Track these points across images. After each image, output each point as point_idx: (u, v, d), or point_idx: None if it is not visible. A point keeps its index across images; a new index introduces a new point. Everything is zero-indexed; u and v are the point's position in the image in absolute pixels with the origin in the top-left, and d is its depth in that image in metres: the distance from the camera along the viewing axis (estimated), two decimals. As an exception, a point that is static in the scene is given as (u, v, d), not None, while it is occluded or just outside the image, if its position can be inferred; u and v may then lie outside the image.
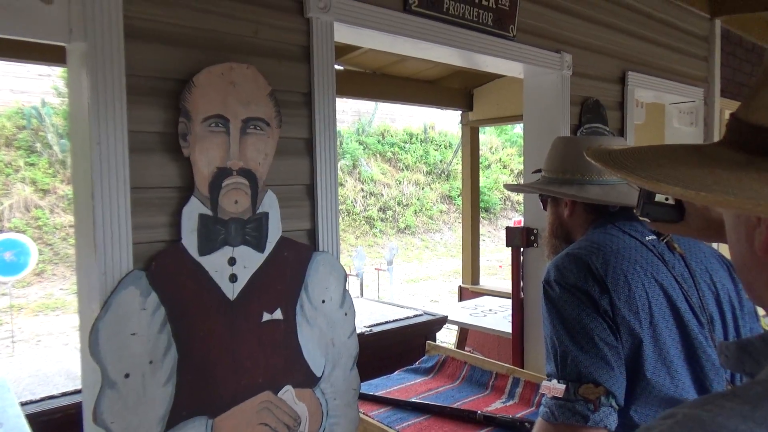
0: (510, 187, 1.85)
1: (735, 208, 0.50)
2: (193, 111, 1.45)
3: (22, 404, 2.22)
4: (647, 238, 1.37)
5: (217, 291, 1.50)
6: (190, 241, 1.46)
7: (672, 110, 3.77)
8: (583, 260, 1.27)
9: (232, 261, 1.53)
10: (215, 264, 1.50)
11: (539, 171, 1.62)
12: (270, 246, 1.60)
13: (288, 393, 1.63)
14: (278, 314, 1.61)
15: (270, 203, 1.60)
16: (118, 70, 1.36)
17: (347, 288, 1.79)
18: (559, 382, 1.18)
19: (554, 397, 1.16)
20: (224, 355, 1.51)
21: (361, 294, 7.86)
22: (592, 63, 2.89)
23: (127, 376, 1.35)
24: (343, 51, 3.61)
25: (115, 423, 1.33)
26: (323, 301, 1.71)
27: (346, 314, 1.77)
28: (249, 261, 1.56)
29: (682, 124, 3.70)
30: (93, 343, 1.31)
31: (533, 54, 2.51)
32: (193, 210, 1.46)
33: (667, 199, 1.15)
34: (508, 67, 2.62)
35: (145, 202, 1.42)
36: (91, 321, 1.32)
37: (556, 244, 1.54)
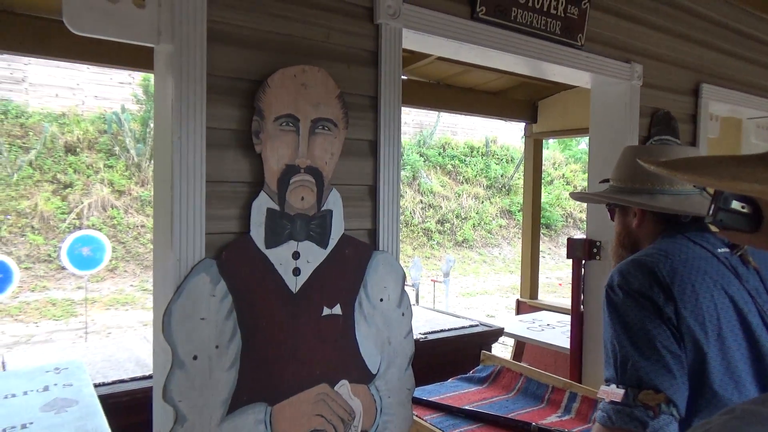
0: (576, 196, 1.82)
1: None
2: (266, 110, 1.53)
3: (95, 386, 2.37)
4: (719, 250, 1.32)
5: (280, 283, 1.56)
6: (257, 233, 1.53)
7: (750, 125, 3.60)
8: (648, 267, 1.24)
9: (296, 255, 1.58)
10: (280, 257, 1.56)
11: (607, 180, 1.59)
12: (332, 243, 1.65)
13: (344, 387, 1.67)
14: (337, 309, 1.66)
15: (334, 201, 1.66)
16: (201, 70, 1.45)
17: (405, 289, 1.81)
18: (618, 387, 1.17)
19: (612, 402, 1.15)
20: (285, 345, 1.57)
21: (417, 304, 7.85)
22: (664, 74, 2.81)
23: (195, 358, 1.43)
24: (408, 61, 3.67)
25: (182, 402, 1.40)
26: (381, 300, 1.75)
27: (403, 314, 1.80)
28: (312, 256, 1.61)
29: (761, 139, 3.52)
30: (166, 324, 1.39)
31: (602, 63, 2.47)
32: (262, 204, 1.54)
33: (743, 207, 1.11)
34: (576, 77, 2.59)
35: (219, 195, 1.50)
36: (165, 304, 1.41)
37: (623, 254, 1.50)
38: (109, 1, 1.39)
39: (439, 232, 13.79)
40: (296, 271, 1.59)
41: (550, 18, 2.23)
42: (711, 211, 1.13)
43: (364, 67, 1.77)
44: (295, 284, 1.59)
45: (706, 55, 3.06)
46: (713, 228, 1.26)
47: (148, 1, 1.43)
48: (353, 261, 1.70)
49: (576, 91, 4.22)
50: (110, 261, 9.67)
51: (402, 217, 13.26)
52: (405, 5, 1.82)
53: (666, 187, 1.42)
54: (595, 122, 2.72)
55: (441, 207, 14.23)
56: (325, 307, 1.64)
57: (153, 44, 1.45)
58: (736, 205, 1.11)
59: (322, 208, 1.63)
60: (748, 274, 1.31)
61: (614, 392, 1.18)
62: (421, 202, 14.03)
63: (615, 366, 1.21)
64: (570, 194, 1.85)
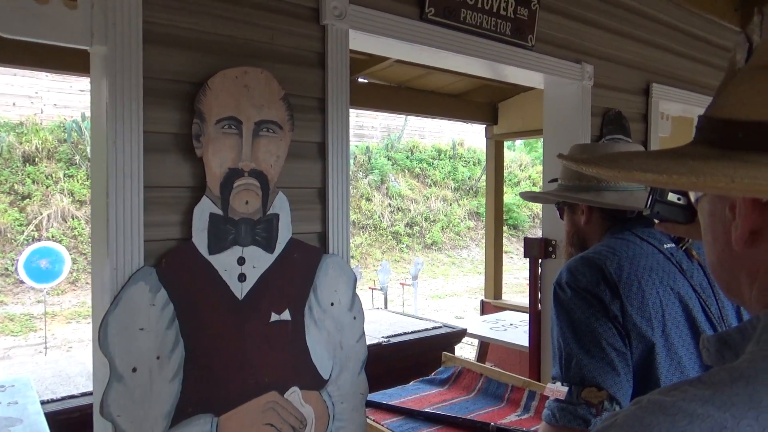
0: (526, 196, 1.83)
1: (709, 189, 0.50)
2: (206, 113, 1.49)
3: (44, 403, 2.29)
4: (665, 246, 1.34)
5: (225, 290, 1.52)
6: (200, 239, 1.49)
7: (700, 124, 3.68)
8: (596, 264, 1.25)
9: (241, 260, 1.55)
10: (225, 263, 1.52)
11: (556, 180, 1.61)
12: (280, 247, 1.62)
13: (294, 394, 1.64)
14: (286, 315, 1.62)
15: (281, 205, 1.62)
16: (136, 73, 1.41)
17: (356, 292, 1.79)
18: (562, 385, 1.17)
19: (557, 400, 1.15)
20: (231, 353, 1.53)
21: (386, 308, 7.83)
22: (615, 74, 2.86)
23: (134, 370, 1.38)
24: (367, 64, 3.65)
25: (121, 416, 1.35)
26: (332, 304, 1.72)
27: (354, 318, 1.78)
28: (258, 261, 1.58)
29: (711, 138, 3.60)
30: (102, 336, 1.34)
31: (553, 64, 2.50)
32: (204, 209, 1.50)
33: (679, 198, 1.13)
34: (528, 78, 2.61)
35: (158, 201, 1.46)
36: (102, 315, 1.36)
37: (573, 252, 1.51)
38: (37, 3, 1.34)
39: (408, 235, 13.81)
40: (242, 277, 1.55)
41: (500, 19, 2.24)
42: (649, 204, 1.14)
43: (311, 69, 1.75)
44: (240, 291, 1.55)
45: (656, 56, 3.12)
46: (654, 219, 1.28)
47: (80, 1, 1.38)
48: (302, 265, 1.67)
49: (534, 93, 4.27)
50: (71, 273, 9.40)
51: (370, 221, 13.24)
52: (351, 6, 1.80)
53: (612, 183, 1.43)
54: (548, 123, 2.75)
55: (410, 210, 14.26)
56: (273, 313, 1.60)
57: (86, 46, 1.40)
58: (672, 197, 1.13)
59: (268, 212, 1.60)
60: (693, 269, 1.33)
61: (559, 390, 1.18)
62: (390, 205, 14.03)
63: (560, 363, 1.22)
64: (520, 194, 1.86)
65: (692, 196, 0.94)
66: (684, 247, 1.35)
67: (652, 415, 0.46)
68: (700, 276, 1.33)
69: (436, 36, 2.06)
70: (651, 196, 1.12)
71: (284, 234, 1.63)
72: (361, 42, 1.94)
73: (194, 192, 1.51)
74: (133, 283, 1.38)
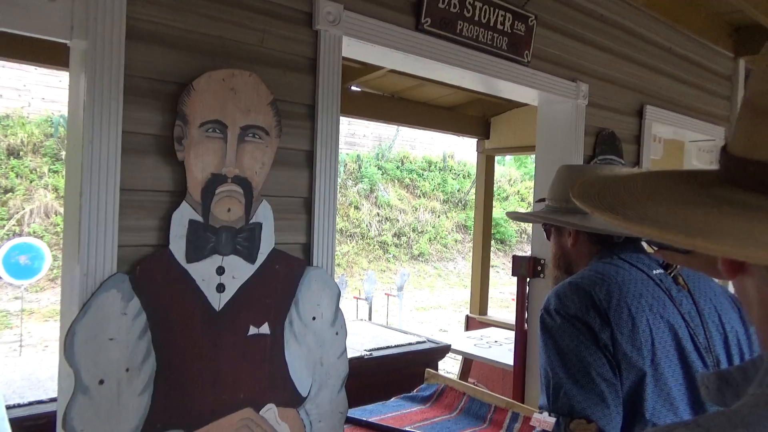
0: (512, 215, 1.79)
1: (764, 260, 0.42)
2: (190, 115, 1.43)
3: (10, 407, 2.19)
4: (654, 272, 1.31)
5: (202, 300, 1.46)
6: (177, 246, 1.42)
7: (691, 148, 3.69)
8: (585, 290, 1.21)
9: (220, 270, 1.48)
10: (203, 272, 1.46)
11: (543, 200, 1.57)
12: (261, 257, 1.56)
13: (270, 411, 1.57)
14: (265, 329, 1.56)
15: (264, 214, 1.57)
16: (117, 69, 1.35)
17: (340, 306, 1.73)
18: (550, 416, 1.13)
19: (544, 431, 1.11)
20: (205, 367, 1.46)
21: (370, 318, 7.76)
22: (610, 94, 2.84)
23: (101, 382, 1.31)
24: (360, 72, 3.62)
25: (85, 431, 1.28)
26: (314, 318, 1.66)
27: (337, 333, 1.72)
28: (238, 271, 1.51)
29: (702, 162, 3.61)
30: (68, 345, 1.27)
31: (548, 81, 2.47)
32: (184, 215, 1.43)
33: None
34: (522, 94, 2.58)
35: (135, 205, 1.39)
36: (70, 323, 1.29)
37: (558, 275, 1.48)
38: (16, -9, 1.28)
39: (396, 246, 13.76)
40: (220, 288, 1.48)
41: (497, 33, 2.21)
42: None
43: (301, 74, 1.69)
44: (218, 302, 1.48)
45: (652, 78, 3.12)
46: (648, 248, 1.24)
47: (60, -7, 1.32)
48: (284, 277, 1.61)
49: (527, 109, 4.26)
50: (51, 270, 9.21)
51: (358, 230, 13.17)
52: (346, 12, 1.76)
53: None
54: (541, 140, 2.72)
55: (398, 220, 14.22)
56: (251, 326, 1.54)
57: (65, 40, 1.34)
58: None
59: (251, 221, 1.54)
60: (682, 297, 1.30)
61: (546, 421, 1.14)
62: (378, 215, 13.98)
63: (548, 393, 1.18)
64: (506, 213, 1.83)
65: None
66: (672, 274, 1.32)
67: None
68: (688, 304, 1.30)
69: (431, 47, 2.02)
70: None
71: (267, 244, 1.57)
72: (354, 49, 1.89)
73: (173, 197, 1.44)
74: (104, 290, 1.31)
